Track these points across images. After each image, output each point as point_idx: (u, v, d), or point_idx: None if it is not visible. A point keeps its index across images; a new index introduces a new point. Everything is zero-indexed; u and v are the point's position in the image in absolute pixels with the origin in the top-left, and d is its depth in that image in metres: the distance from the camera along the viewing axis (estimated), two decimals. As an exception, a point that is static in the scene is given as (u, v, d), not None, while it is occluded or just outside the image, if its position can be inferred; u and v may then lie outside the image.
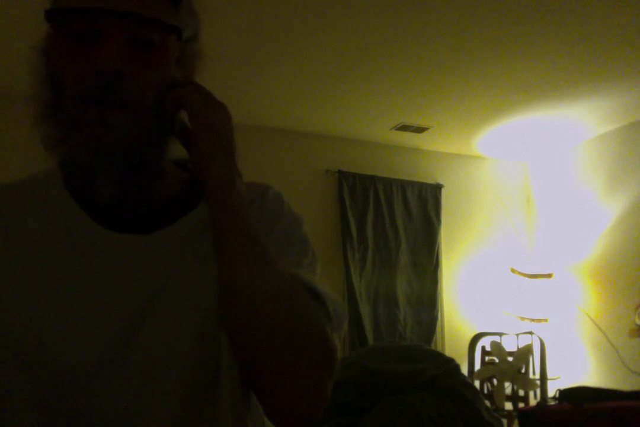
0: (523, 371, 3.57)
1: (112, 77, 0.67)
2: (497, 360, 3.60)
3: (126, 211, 0.76)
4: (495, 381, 3.57)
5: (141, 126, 0.70)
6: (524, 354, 3.57)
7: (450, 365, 2.13)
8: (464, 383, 2.07)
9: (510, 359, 3.58)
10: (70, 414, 0.70)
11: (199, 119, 0.72)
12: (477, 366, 3.82)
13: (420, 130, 4.08)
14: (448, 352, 3.85)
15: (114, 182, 0.70)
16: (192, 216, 0.78)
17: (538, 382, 3.59)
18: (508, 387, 3.58)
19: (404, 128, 4.04)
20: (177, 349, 0.72)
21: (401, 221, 4.18)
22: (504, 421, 3.11)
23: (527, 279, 4.08)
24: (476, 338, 3.92)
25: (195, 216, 0.78)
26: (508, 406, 3.56)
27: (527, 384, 3.51)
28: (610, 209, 3.97)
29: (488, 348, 3.76)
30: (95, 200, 0.73)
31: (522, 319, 3.99)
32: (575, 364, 4.04)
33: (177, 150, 0.77)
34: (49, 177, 0.79)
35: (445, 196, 4.38)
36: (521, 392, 3.57)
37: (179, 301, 0.73)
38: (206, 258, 0.72)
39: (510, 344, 3.80)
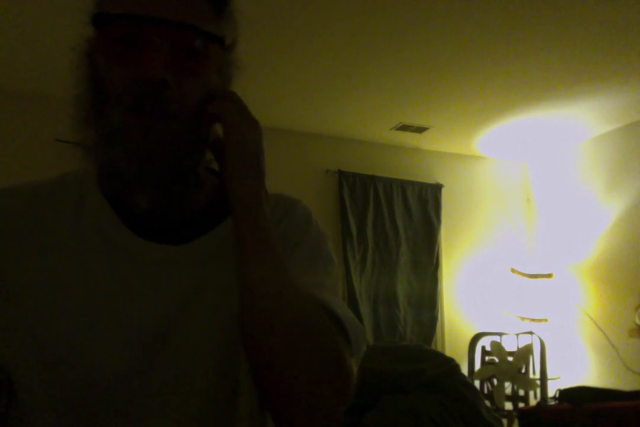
0: (523, 371, 3.57)
1: (158, 86, 0.67)
2: (497, 360, 3.60)
3: (159, 219, 0.76)
4: (495, 381, 3.57)
5: (182, 136, 0.70)
6: (524, 354, 3.57)
7: (450, 365, 2.13)
8: (464, 383, 2.07)
9: (510, 359, 3.58)
10: (91, 423, 0.70)
11: (232, 137, 0.72)
12: (477, 366, 3.82)
13: (420, 130, 4.08)
14: (448, 352, 3.85)
15: (152, 192, 0.71)
16: (223, 227, 0.78)
17: (538, 382, 3.59)
18: (508, 387, 3.57)
19: (404, 128, 4.04)
20: (200, 362, 0.72)
21: (401, 221, 4.18)
22: (504, 421, 3.11)
23: (527, 279, 4.08)
24: (476, 338, 3.91)
25: (225, 227, 0.77)
26: (508, 406, 3.56)
27: (527, 384, 3.51)
28: (610, 209, 3.97)
29: (488, 348, 3.76)
30: (133, 210, 0.73)
31: (522, 319, 3.99)
32: (575, 364, 4.04)
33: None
34: (80, 179, 0.78)
35: (445, 196, 4.38)
36: (521, 392, 3.57)
37: (205, 314, 0.73)
38: (234, 271, 0.72)
39: (510, 344, 3.80)
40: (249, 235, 0.69)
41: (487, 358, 3.80)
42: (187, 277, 0.74)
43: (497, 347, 3.63)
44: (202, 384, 0.72)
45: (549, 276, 4.07)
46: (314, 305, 0.68)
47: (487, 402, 3.10)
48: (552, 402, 2.33)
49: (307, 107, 3.75)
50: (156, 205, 0.73)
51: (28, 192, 0.77)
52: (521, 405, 3.50)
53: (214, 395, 0.72)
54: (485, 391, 3.62)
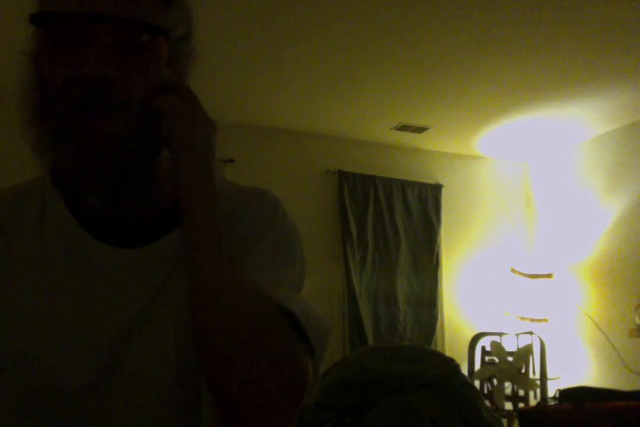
0: (523, 371, 3.57)
1: (98, 83, 0.64)
2: (497, 360, 3.60)
3: (118, 222, 0.75)
4: (495, 381, 3.57)
5: (128, 134, 0.67)
6: (524, 354, 3.57)
7: (450, 365, 2.13)
8: (464, 383, 2.07)
9: (510, 359, 3.58)
10: None
11: (177, 133, 0.69)
12: (477, 366, 3.82)
13: (420, 130, 4.08)
14: (448, 352, 3.85)
15: (102, 193, 0.68)
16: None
17: (538, 382, 3.59)
18: (508, 387, 3.58)
19: (404, 128, 4.04)
20: (162, 365, 0.71)
21: (401, 220, 4.18)
22: (504, 421, 3.11)
23: (527, 279, 4.08)
24: (476, 338, 3.92)
25: None
26: (508, 406, 3.56)
27: (527, 384, 3.51)
28: (610, 209, 3.97)
29: (488, 348, 3.76)
30: (85, 210, 0.72)
31: (522, 319, 3.99)
32: (575, 364, 4.04)
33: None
34: (44, 185, 0.77)
35: (445, 196, 4.38)
36: (521, 392, 3.57)
37: (165, 317, 0.72)
38: None
39: (510, 344, 3.80)
40: (194, 233, 0.67)
41: (487, 358, 3.80)
42: (146, 281, 0.73)
43: (497, 347, 3.64)
44: (165, 386, 0.71)
45: (549, 276, 4.07)
46: (265, 303, 0.65)
47: (487, 402, 3.10)
48: (552, 402, 2.34)
49: (307, 107, 3.75)
50: (108, 207, 0.71)
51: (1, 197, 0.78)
52: (521, 405, 3.50)
53: (177, 398, 0.71)
54: (485, 391, 3.62)
